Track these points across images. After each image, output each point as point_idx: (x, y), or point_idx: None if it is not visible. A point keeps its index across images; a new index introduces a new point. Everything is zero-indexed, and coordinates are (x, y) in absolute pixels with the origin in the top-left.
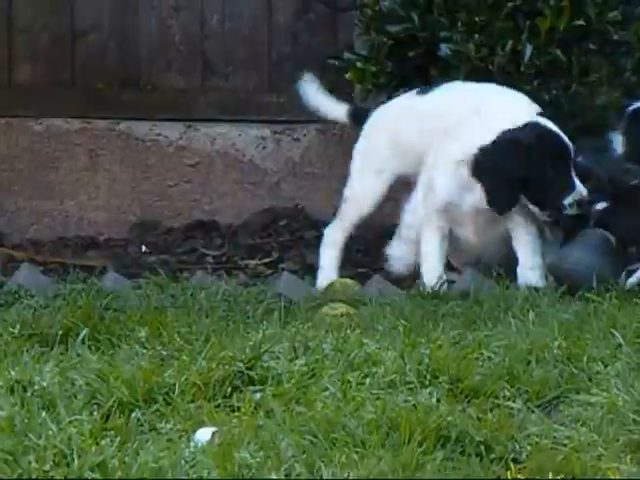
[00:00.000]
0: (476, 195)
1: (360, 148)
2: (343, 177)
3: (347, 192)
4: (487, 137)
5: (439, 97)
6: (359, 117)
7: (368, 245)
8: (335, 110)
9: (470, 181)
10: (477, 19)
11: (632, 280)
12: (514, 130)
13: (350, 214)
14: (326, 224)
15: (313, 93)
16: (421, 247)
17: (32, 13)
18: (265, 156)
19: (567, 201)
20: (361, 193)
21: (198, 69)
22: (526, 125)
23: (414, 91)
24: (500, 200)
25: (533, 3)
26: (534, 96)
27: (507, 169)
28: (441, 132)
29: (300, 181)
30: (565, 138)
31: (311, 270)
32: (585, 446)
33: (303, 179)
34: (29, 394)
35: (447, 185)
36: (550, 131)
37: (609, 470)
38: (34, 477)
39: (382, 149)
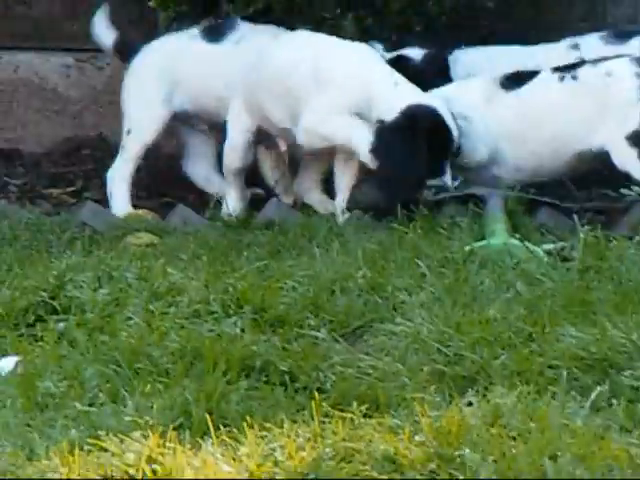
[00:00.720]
0: None
1: (138, 80)
2: None
3: (129, 124)
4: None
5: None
6: (126, 51)
7: (170, 175)
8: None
9: None
10: None
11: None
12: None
13: (134, 146)
14: None
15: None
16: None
17: None
18: (68, 84)
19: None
20: (145, 123)
21: None
22: (420, 107)
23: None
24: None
25: None
26: None
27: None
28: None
29: (104, 110)
30: (452, 126)
31: None
32: (389, 375)
33: (107, 108)
34: None
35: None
36: (440, 117)
37: (413, 400)
38: None
39: (163, 82)
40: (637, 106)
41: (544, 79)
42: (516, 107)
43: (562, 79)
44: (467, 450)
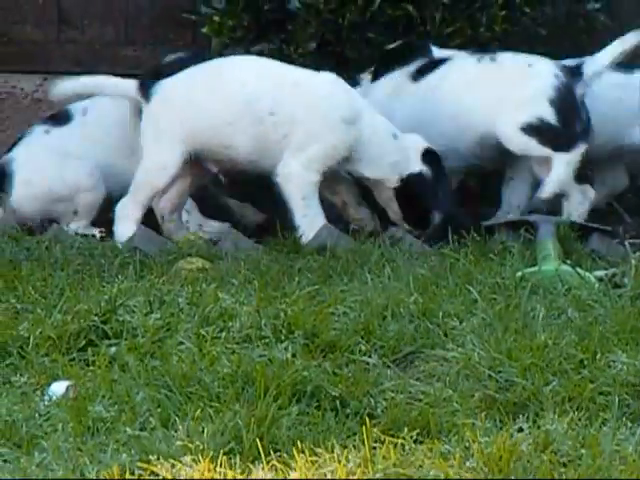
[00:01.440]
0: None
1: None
2: None
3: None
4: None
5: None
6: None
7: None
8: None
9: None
10: None
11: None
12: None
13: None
14: None
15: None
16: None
17: None
18: None
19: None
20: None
21: (54, 21)
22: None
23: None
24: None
25: None
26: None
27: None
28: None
29: None
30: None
31: None
32: (440, 401)
33: None
34: None
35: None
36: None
37: (464, 425)
38: None
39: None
40: (541, 102)
41: (460, 61)
42: (424, 91)
43: (480, 60)
44: (518, 476)
